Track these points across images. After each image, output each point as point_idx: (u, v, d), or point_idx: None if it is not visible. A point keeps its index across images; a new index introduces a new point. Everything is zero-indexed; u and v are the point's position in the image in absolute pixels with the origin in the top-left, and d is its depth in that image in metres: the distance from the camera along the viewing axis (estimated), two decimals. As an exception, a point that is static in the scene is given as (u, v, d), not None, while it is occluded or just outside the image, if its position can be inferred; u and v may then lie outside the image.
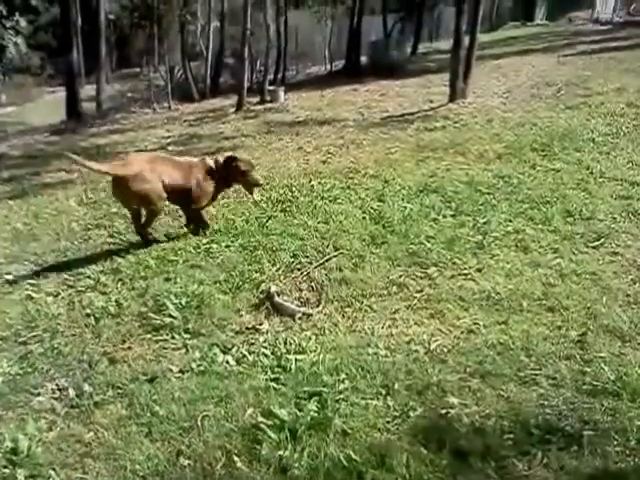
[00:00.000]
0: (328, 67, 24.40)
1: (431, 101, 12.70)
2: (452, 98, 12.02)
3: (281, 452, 2.98)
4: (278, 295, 4.60)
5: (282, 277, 5.00)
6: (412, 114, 11.64)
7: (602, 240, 5.16)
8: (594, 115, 9.38)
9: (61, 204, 8.06)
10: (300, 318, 4.35)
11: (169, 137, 13.29)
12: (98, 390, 3.66)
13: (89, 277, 5.31)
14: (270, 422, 3.16)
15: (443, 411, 3.22)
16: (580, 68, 13.89)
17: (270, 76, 19.75)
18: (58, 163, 11.25)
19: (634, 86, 10.86)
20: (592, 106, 9.95)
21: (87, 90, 23.29)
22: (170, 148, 11.70)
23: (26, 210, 7.94)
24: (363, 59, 22.91)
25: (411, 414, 3.21)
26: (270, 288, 4.70)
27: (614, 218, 5.58)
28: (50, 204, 8.11)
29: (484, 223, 5.68)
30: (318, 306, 4.48)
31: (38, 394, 3.70)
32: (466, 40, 12.12)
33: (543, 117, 9.69)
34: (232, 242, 5.79)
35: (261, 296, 4.69)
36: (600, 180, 6.55)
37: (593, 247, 5.07)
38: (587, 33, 21.02)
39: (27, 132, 18.02)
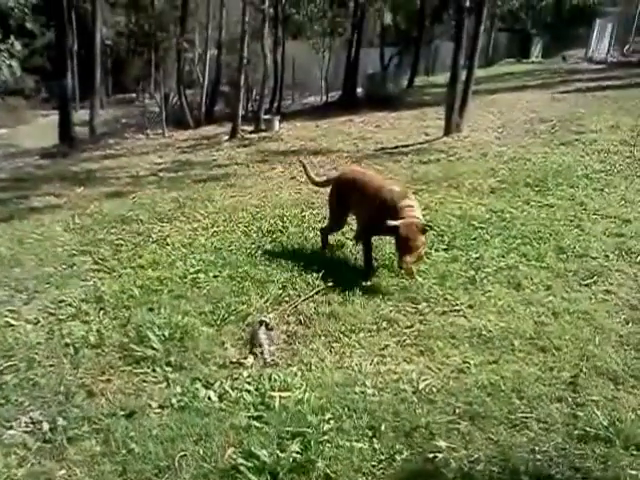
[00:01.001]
0: (324, 98, 24.55)
1: (426, 134, 12.76)
2: (447, 131, 12.09)
3: (260, 496, 2.85)
4: (267, 326, 4.49)
5: (269, 309, 4.89)
6: (407, 146, 11.66)
7: (595, 278, 5.09)
8: (588, 152, 9.42)
9: (47, 229, 7.93)
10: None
11: (161, 164, 13.25)
12: (73, 424, 3.51)
13: (71, 305, 5.17)
14: (250, 464, 3.02)
15: (431, 455, 3.10)
16: (574, 105, 14.04)
17: (266, 105, 19.84)
18: (47, 187, 11.19)
19: (627, 124, 10.93)
20: (586, 143, 10.01)
21: (81, 114, 23.30)
22: (161, 174, 11.65)
23: (11, 234, 7.79)
24: (359, 91, 23.08)
25: (397, 458, 3.09)
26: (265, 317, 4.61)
27: (607, 256, 5.52)
28: (36, 229, 7.97)
29: (476, 258, 5.61)
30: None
31: (10, 427, 3.54)
32: (463, 75, 12.21)
33: (537, 153, 9.71)
34: (220, 272, 5.68)
35: (247, 329, 4.57)
36: (593, 217, 6.52)
37: (586, 285, 5.00)
38: (581, 71, 21.30)
39: (18, 155, 17.94)
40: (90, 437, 3.40)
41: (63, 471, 3.17)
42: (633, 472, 2.92)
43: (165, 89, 21.33)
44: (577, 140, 10.30)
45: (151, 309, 4.97)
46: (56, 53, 21.68)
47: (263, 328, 4.46)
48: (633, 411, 3.35)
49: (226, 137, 16.10)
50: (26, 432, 3.50)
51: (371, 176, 5.99)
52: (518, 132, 11.80)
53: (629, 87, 15.88)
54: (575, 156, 9.25)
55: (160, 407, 3.66)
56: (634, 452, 3.04)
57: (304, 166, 6.70)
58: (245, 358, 4.19)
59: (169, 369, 4.09)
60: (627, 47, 25.99)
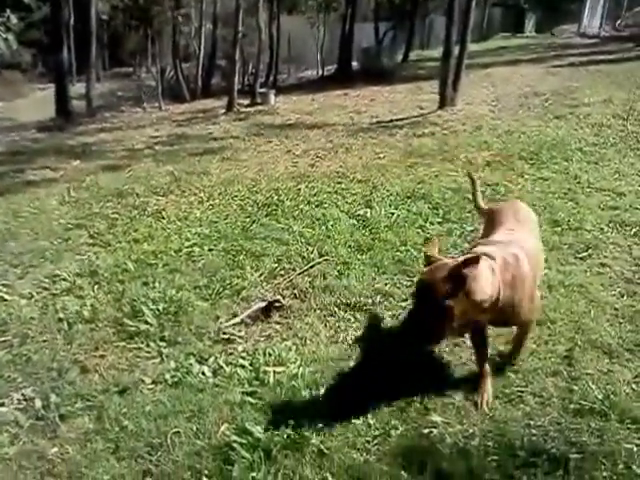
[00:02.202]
0: (320, 72, 24.46)
1: (421, 107, 12.72)
2: (441, 105, 12.09)
3: (254, 474, 2.82)
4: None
5: (264, 283, 4.87)
6: (401, 120, 11.63)
7: (590, 251, 5.06)
8: (582, 125, 9.40)
9: (42, 203, 7.88)
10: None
11: (157, 137, 13.19)
12: (66, 401, 3.48)
13: (65, 279, 5.13)
14: (244, 440, 3.00)
15: (426, 430, 3.07)
16: (568, 79, 14.01)
17: (262, 79, 19.75)
18: (43, 160, 11.11)
19: (620, 98, 10.88)
20: (580, 116, 9.98)
21: (78, 88, 23.11)
22: (157, 148, 11.58)
23: (6, 208, 7.72)
24: (354, 65, 22.99)
25: (392, 433, 3.07)
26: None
27: (601, 229, 5.49)
28: (31, 202, 7.90)
29: (471, 231, 5.58)
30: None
31: (2, 404, 3.50)
32: (456, 49, 12.16)
33: (531, 126, 9.68)
34: (215, 246, 5.67)
35: (242, 303, 4.55)
36: (587, 190, 6.48)
37: (581, 258, 4.96)
38: (575, 46, 21.20)
39: (14, 128, 17.75)
40: (83, 414, 3.38)
41: (55, 449, 3.13)
42: (628, 446, 2.89)
43: (161, 63, 21.22)
44: (571, 114, 10.28)
45: (146, 283, 4.95)
46: (52, 27, 21.42)
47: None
48: (628, 384, 3.34)
49: (222, 110, 16.07)
50: (18, 409, 3.46)
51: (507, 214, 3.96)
52: (512, 105, 11.76)
53: (621, 61, 15.88)
54: (569, 129, 9.23)
55: (153, 383, 3.64)
56: (629, 426, 3.02)
57: (473, 182, 4.60)
58: (240, 332, 4.16)
59: (163, 344, 4.07)
60: (619, 22, 25.84)
